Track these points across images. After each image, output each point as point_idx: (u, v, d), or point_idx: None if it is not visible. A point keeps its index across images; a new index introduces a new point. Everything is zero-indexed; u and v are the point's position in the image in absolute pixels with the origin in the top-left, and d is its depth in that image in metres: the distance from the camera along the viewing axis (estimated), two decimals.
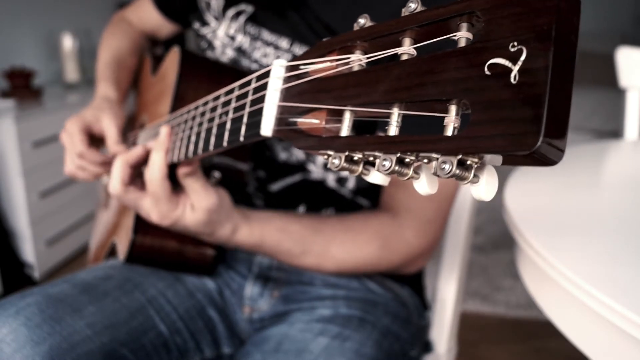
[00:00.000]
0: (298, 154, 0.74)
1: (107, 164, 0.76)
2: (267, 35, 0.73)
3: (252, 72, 0.40)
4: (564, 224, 0.63)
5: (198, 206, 0.56)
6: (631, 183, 0.79)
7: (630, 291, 0.46)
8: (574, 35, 0.21)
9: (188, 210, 0.57)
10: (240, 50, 0.76)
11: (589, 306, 0.47)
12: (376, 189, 0.74)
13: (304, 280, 0.74)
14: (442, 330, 0.83)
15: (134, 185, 0.59)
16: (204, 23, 0.80)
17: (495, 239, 2.39)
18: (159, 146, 0.55)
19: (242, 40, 0.75)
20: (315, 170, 0.74)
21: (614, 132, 3.30)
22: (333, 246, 0.65)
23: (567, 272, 0.49)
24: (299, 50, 0.71)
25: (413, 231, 0.66)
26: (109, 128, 0.74)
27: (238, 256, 0.78)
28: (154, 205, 0.56)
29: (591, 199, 0.72)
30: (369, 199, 0.76)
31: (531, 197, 0.71)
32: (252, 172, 0.78)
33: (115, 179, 0.58)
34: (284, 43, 0.72)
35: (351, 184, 0.74)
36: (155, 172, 0.55)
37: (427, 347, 0.82)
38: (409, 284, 0.79)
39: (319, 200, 0.76)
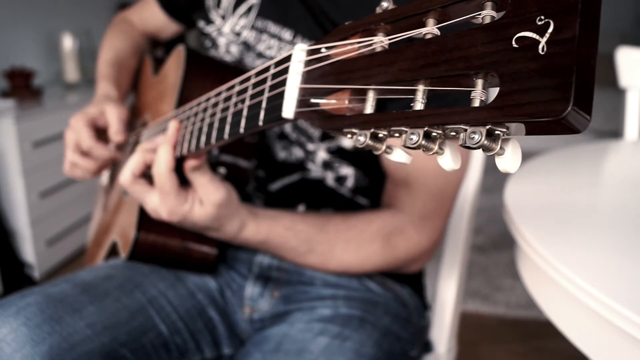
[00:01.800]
0: (297, 153, 0.74)
1: (110, 160, 0.77)
2: (272, 27, 0.74)
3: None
4: (564, 224, 0.63)
5: (206, 200, 0.56)
6: (631, 183, 0.79)
7: (630, 291, 0.46)
8: (598, 9, 0.22)
9: (197, 205, 0.57)
10: (245, 44, 0.76)
11: (589, 306, 0.47)
12: (375, 188, 0.74)
13: (304, 280, 0.74)
14: (442, 330, 0.83)
15: (144, 179, 0.59)
16: (209, 21, 0.80)
17: (495, 239, 2.40)
18: (166, 140, 0.56)
19: (248, 35, 0.76)
20: (315, 170, 0.74)
21: (614, 132, 3.30)
22: (337, 245, 0.65)
23: (567, 272, 0.49)
24: (301, 42, 0.71)
25: (415, 228, 0.66)
26: (112, 117, 0.75)
27: (238, 256, 0.78)
28: (162, 201, 0.56)
29: (591, 199, 0.72)
30: (368, 198, 0.76)
31: (531, 197, 0.71)
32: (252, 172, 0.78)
33: (128, 170, 0.58)
34: (287, 35, 0.72)
35: (350, 183, 0.74)
36: (162, 165, 0.55)
37: (427, 347, 0.82)
38: (409, 284, 0.79)
39: (318, 199, 0.76)
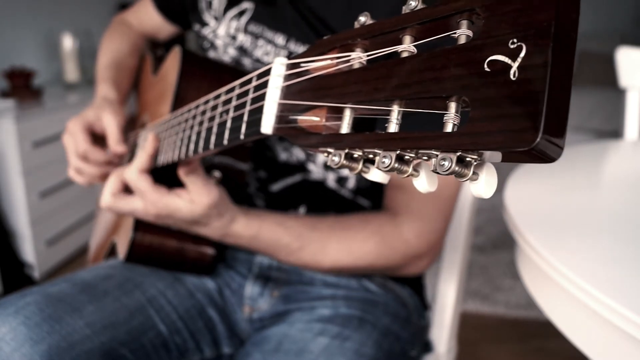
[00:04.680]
0: (299, 154, 0.74)
1: (110, 164, 0.76)
2: (267, 32, 0.73)
3: (253, 71, 0.41)
4: (564, 224, 0.63)
5: (198, 201, 0.57)
6: (631, 183, 0.79)
7: (630, 291, 0.46)
8: (574, 32, 0.21)
9: (186, 202, 0.57)
10: (241, 49, 0.76)
11: (589, 306, 0.47)
12: (376, 189, 0.74)
13: (304, 280, 0.74)
14: (442, 330, 0.83)
15: (123, 192, 0.61)
16: (204, 24, 0.80)
17: (495, 239, 2.39)
18: (143, 152, 0.58)
19: (243, 39, 0.75)
20: (316, 171, 0.74)
21: (614, 132, 3.30)
22: (331, 243, 0.65)
23: (567, 272, 0.49)
24: (294, 46, 0.71)
25: (413, 231, 0.66)
26: (110, 126, 0.73)
27: (238, 256, 0.78)
28: (144, 200, 0.58)
29: (591, 199, 0.72)
30: (369, 199, 0.76)
31: (531, 197, 0.71)
32: (253, 173, 0.78)
33: (107, 192, 0.60)
34: (279, 39, 0.72)
35: (351, 184, 0.74)
36: (132, 170, 0.57)
37: (427, 347, 0.82)
38: (409, 284, 0.79)
39: (319, 200, 0.75)
